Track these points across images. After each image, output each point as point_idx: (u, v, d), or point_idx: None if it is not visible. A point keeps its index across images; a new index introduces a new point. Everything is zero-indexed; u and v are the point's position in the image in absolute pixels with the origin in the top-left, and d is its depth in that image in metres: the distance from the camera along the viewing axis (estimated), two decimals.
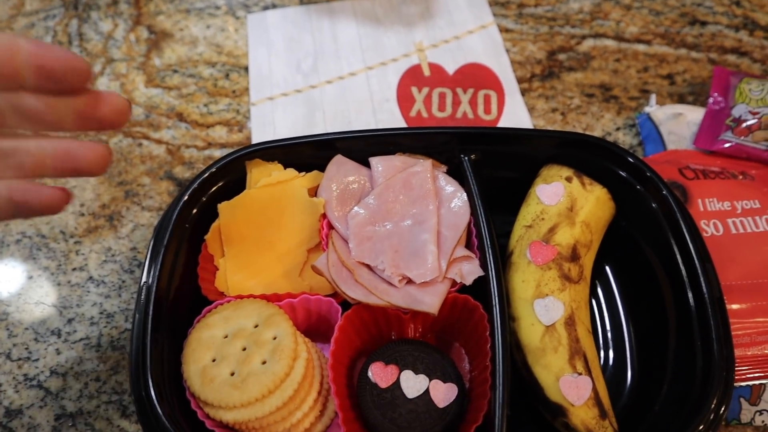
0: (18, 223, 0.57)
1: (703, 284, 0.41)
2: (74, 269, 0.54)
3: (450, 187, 0.47)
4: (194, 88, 0.65)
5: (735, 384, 0.46)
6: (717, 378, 0.39)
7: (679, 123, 0.59)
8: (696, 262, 0.42)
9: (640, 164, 0.45)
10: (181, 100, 0.64)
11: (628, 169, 0.46)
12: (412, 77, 0.63)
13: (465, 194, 0.46)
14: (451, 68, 0.64)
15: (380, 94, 0.62)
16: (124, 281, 0.53)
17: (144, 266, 0.43)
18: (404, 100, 0.62)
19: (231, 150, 0.60)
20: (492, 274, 0.42)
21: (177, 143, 0.61)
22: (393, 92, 0.62)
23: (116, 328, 0.51)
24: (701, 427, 0.37)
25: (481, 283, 0.43)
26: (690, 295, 0.42)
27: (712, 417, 0.38)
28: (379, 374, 0.42)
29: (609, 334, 0.48)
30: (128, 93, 0.65)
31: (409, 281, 0.43)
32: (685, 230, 0.42)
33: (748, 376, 0.46)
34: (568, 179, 0.46)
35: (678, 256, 0.43)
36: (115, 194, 0.58)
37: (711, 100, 0.60)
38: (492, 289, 0.41)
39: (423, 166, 0.47)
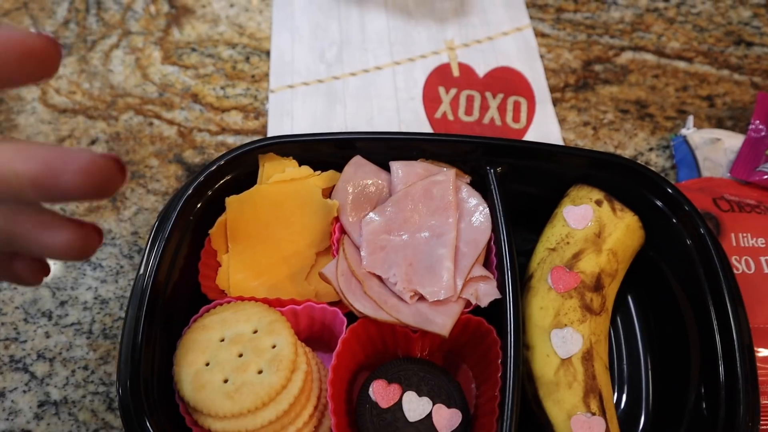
0: None
1: (734, 329, 0.39)
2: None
3: (473, 200, 0.44)
4: (212, 69, 0.62)
5: None
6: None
7: (716, 149, 0.56)
8: (728, 305, 0.39)
9: (678, 195, 0.42)
10: (197, 80, 0.62)
11: (665, 199, 0.43)
12: (440, 76, 0.60)
13: (488, 209, 0.44)
14: (481, 70, 0.61)
15: (405, 91, 0.60)
16: (122, 266, 0.51)
17: (143, 256, 0.41)
18: (430, 100, 0.59)
19: (245, 137, 0.58)
20: (509, 298, 0.39)
21: (189, 126, 0.59)
22: (419, 91, 0.59)
23: (110, 316, 0.49)
24: None
25: (497, 305, 0.41)
26: (718, 339, 0.39)
27: None
28: (381, 393, 0.40)
29: (625, 371, 0.45)
30: (143, 69, 0.63)
31: (421, 298, 0.40)
32: (719, 270, 0.40)
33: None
34: (598, 203, 0.44)
35: (709, 297, 0.40)
36: None
37: (752, 127, 0.56)
38: (508, 316, 0.39)
39: (446, 176, 0.44)
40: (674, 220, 0.42)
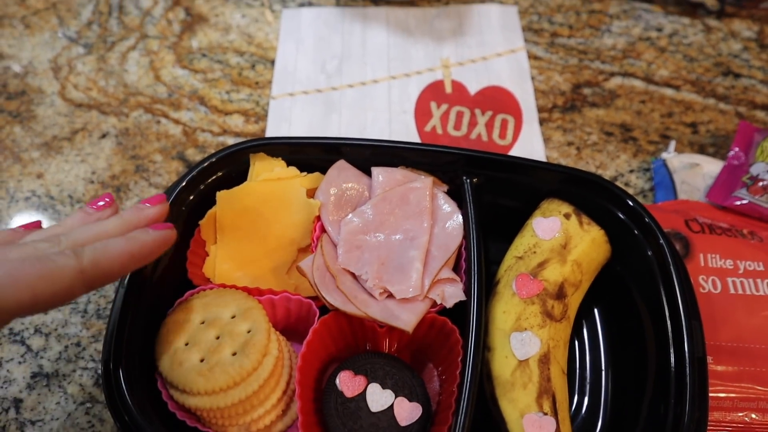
0: (30, 180, 0.59)
1: (686, 341, 0.40)
2: None
3: (447, 207, 0.47)
4: (220, 74, 0.66)
5: None
6: None
7: (694, 173, 0.58)
8: (682, 317, 0.41)
9: (640, 209, 0.44)
10: (205, 84, 0.65)
11: (627, 213, 0.45)
12: (433, 92, 0.63)
13: (461, 216, 0.46)
14: (473, 88, 0.64)
15: (399, 105, 0.62)
16: None
17: None
18: (422, 114, 0.62)
19: (245, 139, 0.61)
20: (474, 300, 0.42)
21: (194, 126, 0.62)
22: (412, 105, 0.62)
23: (104, 298, 0.52)
24: None
25: (462, 308, 0.43)
26: (672, 350, 0.41)
27: None
28: (347, 383, 0.42)
29: (587, 379, 0.47)
30: (156, 70, 0.66)
31: (390, 295, 0.43)
32: (676, 283, 0.42)
33: None
34: (567, 216, 0.46)
35: (666, 309, 0.42)
36: (126, 167, 0.60)
37: (731, 153, 0.58)
38: (471, 316, 0.41)
39: (423, 183, 0.47)
40: (636, 232, 0.44)
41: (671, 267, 0.43)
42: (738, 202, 0.55)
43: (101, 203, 0.39)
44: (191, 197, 0.46)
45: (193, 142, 0.61)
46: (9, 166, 0.60)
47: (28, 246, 0.33)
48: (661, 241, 0.43)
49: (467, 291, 0.43)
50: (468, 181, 0.47)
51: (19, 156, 0.61)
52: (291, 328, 0.46)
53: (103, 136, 0.62)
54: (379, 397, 0.42)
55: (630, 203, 0.45)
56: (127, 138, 0.62)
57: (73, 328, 0.51)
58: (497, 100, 0.63)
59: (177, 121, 0.62)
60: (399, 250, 0.45)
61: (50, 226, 0.37)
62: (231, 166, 0.48)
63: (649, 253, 0.44)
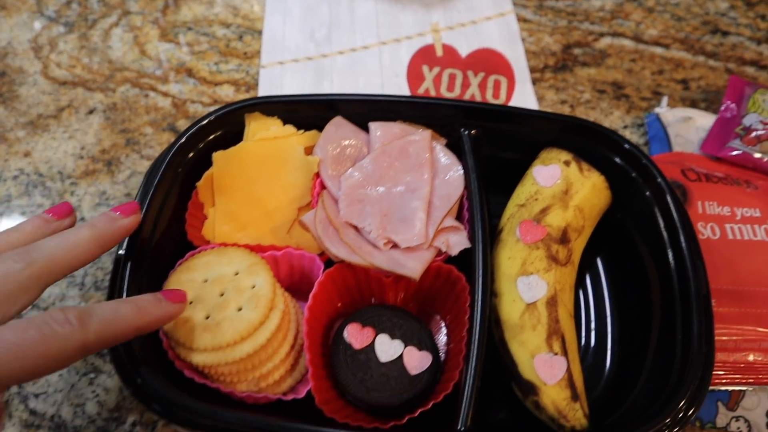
0: (17, 158, 0.58)
1: (691, 279, 0.41)
2: None
3: (446, 159, 0.46)
4: (206, 46, 0.65)
5: (714, 387, 0.45)
6: (692, 374, 0.38)
7: (687, 126, 0.58)
8: (686, 254, 0.41)
9: (636, 152, 0.44)
10: (192, 56, 0.64)
11: (625, 157, 0.45)
12: (424, 56, 0.63)
13: (461, 168, 0.46)
14: (464, 51, 0.63)
15: (390, 69, 0.62)
16: None
17: None
18: (414, 77, 0.62)
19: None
20: (479, 247, 0.41)
21: (183, 98, 0.61)
22: (403, 68, 0.62)
23: (102, 270, 0.51)
24: (667, 421, 0.36)
25: (467, 256, 0.43)
26: (677, 288, 0.41)
27: (680, 415, 0.36)
28: (355, 335, 0.42)
29: (592, 324, 0.47)
30: (141, 45, 0.65)
31: (394, 246, 0.42)
32: (677, 220, 0.42)
33: (728, 380, 0.45)
34: (567, 163, 0.46)
35: (668, 248, 0.42)
36: (116, 141, 0.58)
37: (723, 107, 0.59)
38: (477, 262, 0.41)
39: (422, 136, 0.46)
40: (634, 175, 0.45)
41: (671, 205, 0.43)
42: (732, 153, 0.55)
43: (60, 212, 0.38)
44: (187, 158, 0.46)
45: (184, 114, 0.60)
46: None
47: (32, 320, 0.31)
48: (659, 180, 0.43)
49: (471, 239, 0.43)
50: (466, 133, 0.47)
51: (3, 136, 0.60)
52: (295, 286, 0.46)
53: (91, 112, 0.61)
54: (388, 348, 0.41)
55: (626, 146, 0.45)
56: (115, 113, 0.60)
57: (71, 301, 0.50)
58: (489, 62, 0.63)
59: (165, 94, 0.61)
60: (401, 201, 0.44)
61: (5, 231, 0.36)
62: (226, 127, 0.47)
63: (647, 193, 0.44)
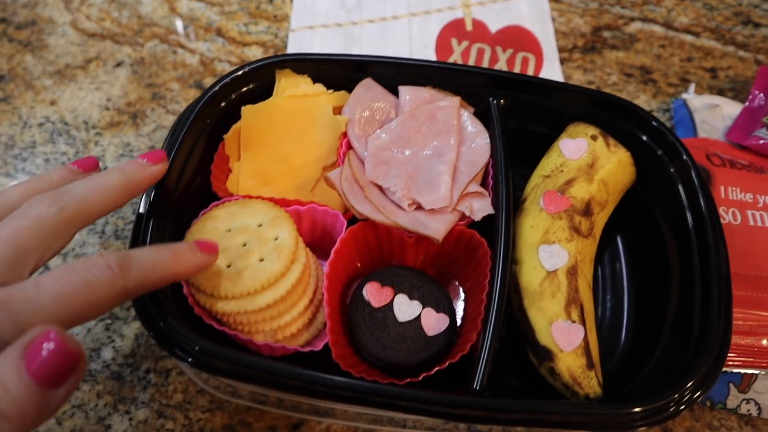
0: (43, 106, 0.58)
1: (713, 256, 0.40)
2: None
3: (474, 127, 0.46)
4: (237, 7, 0.65)
5: (727, 369, 0.45)
6: (708, 352, 0.38)
7: (714, 114, 0.58)
8: (708, 230, 0.41)
9: (663, 128, 0.44)
10: (222, 16, 0.64)
11: (651, 133, 0.45)
12: (453, 29, 0.63)
13: (488, 136, 0.46)
14: (494, 27, 0.63)
15: (420, 40, 0.62)
16: None
17: None
18: (443, 49, 0.61)
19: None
20: (502, 214, 0.41)
21: (211, 56, 0.61)
22: (432, 40, 0.62)
23: (122, 219, 0.52)
24: (675, 396, 0.36)
25: (490, 223, 0.43)
26: (697, 266, 0.41)
27: (689, 392, 0.36)
28: (374, 294, 0.42)
29: (609, 300, 0.47)
30: (170, 2, 0.65)
31: (419, 207, 0.43)
32: (701, 197, 0.42)
33: (740, 363, 0.45)
34: (594, 137, 0.46)
35: (691, 226, 0.42)
36: (142, 94, 0.59)
37: (751, 96, 0.59)
38: (500, 228, 0.41)
39: (451, 102, 0.46)
40: (659, 153, 0.44)
41: (695, 182, 0.43)
42: (758, 142, 0.55)
43: (87, 165, 0.38)
44: (217, 110, 0.46)
45: (211, 72, 0.60)
46: (21, 93, 0.59)
47: (73, 267, 0.30)
48: (685, 157, 0.43)
49: (495, 206, 0.43)
50: (494, 102, 0.47)
51: (30, 83, 0.60)
52: (315, 244, 0.46)
53: (118, 65, 0.61)
54: (406, 308, 0.42)
55: (654, 124, 0.45)
56: (142, 67, 0.61)
57: (91, 248, 0.50)
58: (518, 39, 0.62)
59: (193, 51, 0.62)
60: (427, 165, 0.44)
61: (33, 178, 0.36)
62: (257, 82, 0.47)
63: (672, 170, 0.44)
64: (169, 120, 0.57)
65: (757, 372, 0.45)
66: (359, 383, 0.35)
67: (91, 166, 0.38)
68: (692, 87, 0.60)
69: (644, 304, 0.46)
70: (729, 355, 0.45)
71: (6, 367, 0.25)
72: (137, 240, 0.40)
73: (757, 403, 0.45)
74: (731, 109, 0.58)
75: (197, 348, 0.36)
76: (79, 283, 0.29)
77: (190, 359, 0.36)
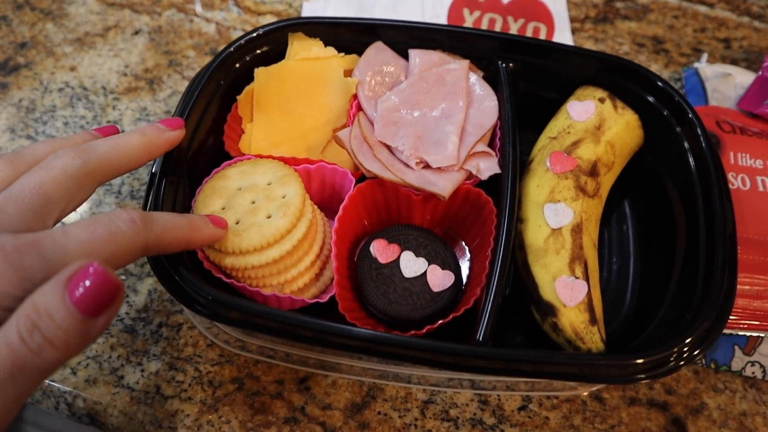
0: (64, 72, 0.59)
1: (717, 214, 0.41)
2: (108, 122, 0.56)
3: (482, 90, 0.47)
4: None
5: (732, 331, 0.46)
6: (710, 307, 0.38)
7: (726, 82, 0.58)
8: (714, 190, 0.41)
9: (669, 89, 0.44)
10: None
11: (658, 94, 0.45)
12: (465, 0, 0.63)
13: (496, 100, 0.46)
14: None
15: (432, 10, 0.62)
16: None
17: (174, 113, 0.44)
18: (454, 19, 0.62)
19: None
20: (508, 173, 0.42)
21: (227, 25, 0.62)
22: (444, 10, 0.62)
23: (138, 180, 0.53)
24: (675, 350, 0.36)
25: (496, 183, 0.43)
26: (702, 226, 0.41)
27: (688, 348, 0.36)
28: (381, 250, 0.43)
29: (615, 263, 0.47)
30: None
31: (426, 166, 0.43)
32: (707, 155, 0.42)
33: (746, 325, 0.46)
34: (601, 100, 0.46)
35: (697, 186, 0.43)
36: (159, 61, 0.60)
37: (766, 64, 0.58)
38: (506, 187, 0.41)
39: (460, 65, 0.47)
40: (666, 112, 0.45)
41: (701, 139, 0.43)
42: None
43: (107, 133, 0.39)
44: (230, 72, 0.47)
45: (227, 40, 0.61)
46: (42, 59, 0.61)
47: (99, 219, 0.31)
48: (690, 115, 0.43)
49: (502, 166, 0.43)
50: (503, 65, 0.47)
51: (51, 50, 0.61)
52: (324, 203, 0.47)
53: (136, 33, 0.62)
54: (412, 264, 0.43)
55: (660, 84, 0.45)
56: (160, 35, 0.62)
57: (107, 207, 0.52)
58: (529, 9, 0.62)
59: (210, 20, 0.63)
60: (435, 125, 0.45)
61: (56, 138, 0.37)
62: (270, 45, 0.48)
63: (678, 129, 0.44)
64: (185, 86, 0.58)
65: (762, 335, 0.46)
66: (368, 332, 0.35)
67: (112, 132, 0.40)
68: (704, 57, 0.60)
69: (650, 266, 0.46)
70: (734, 318, 0.46)
71: (50, 298, 0.26)
72: (151, 194, 0.41)
73: (762, 366, 0.45)
74: (744, 78, 0.58)
75: (210, 298, 0.37)
76: (105, 232, 0.30)
77: (203, 309, 0.38)
